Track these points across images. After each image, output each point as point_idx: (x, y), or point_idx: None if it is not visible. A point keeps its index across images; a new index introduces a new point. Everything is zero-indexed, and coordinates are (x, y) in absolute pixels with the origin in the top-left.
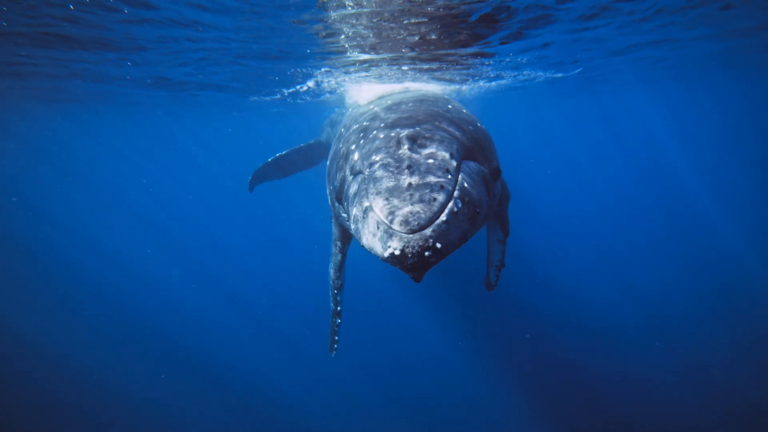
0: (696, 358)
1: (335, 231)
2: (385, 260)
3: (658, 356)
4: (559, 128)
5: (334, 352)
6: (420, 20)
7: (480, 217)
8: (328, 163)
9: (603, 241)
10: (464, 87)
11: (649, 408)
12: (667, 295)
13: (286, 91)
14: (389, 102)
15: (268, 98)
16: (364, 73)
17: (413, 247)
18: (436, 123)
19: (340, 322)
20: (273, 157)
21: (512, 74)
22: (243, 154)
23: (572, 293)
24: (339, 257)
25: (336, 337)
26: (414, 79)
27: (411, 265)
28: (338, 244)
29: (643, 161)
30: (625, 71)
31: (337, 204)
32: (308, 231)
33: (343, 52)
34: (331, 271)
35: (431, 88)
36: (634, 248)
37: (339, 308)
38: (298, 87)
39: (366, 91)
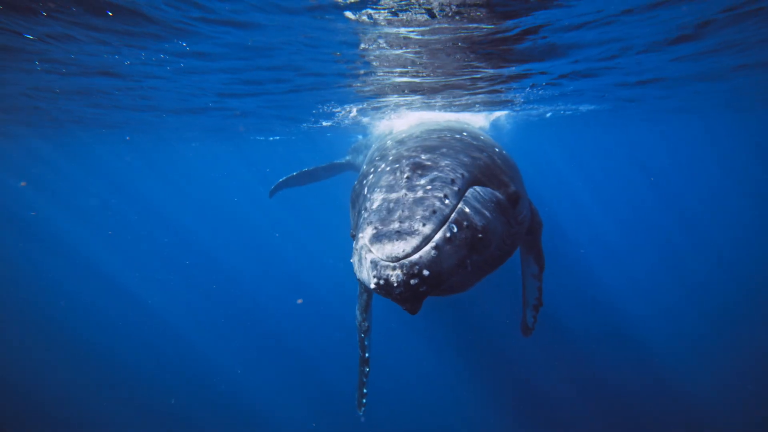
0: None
1: None
2: (374, 291)
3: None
4: (613, 155)
5: (363, 409)
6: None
7: (487, 244)
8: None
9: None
10: (499, 113)
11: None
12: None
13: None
14: (403, 136)
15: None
16: (398, 111)
17: (398, 276)
18: (443, 151)
19: (369, 371)
20: (299, 171)
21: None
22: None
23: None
24: (365, 296)
25: (365, 390)
26: (445, 110)
27: (400, 295)
28: None
29: (689, 186)
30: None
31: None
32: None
33: (378, 94)
34: (358, 313)
35: (466, 117)
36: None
37: (367, 355)
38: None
39: (399, 119)
